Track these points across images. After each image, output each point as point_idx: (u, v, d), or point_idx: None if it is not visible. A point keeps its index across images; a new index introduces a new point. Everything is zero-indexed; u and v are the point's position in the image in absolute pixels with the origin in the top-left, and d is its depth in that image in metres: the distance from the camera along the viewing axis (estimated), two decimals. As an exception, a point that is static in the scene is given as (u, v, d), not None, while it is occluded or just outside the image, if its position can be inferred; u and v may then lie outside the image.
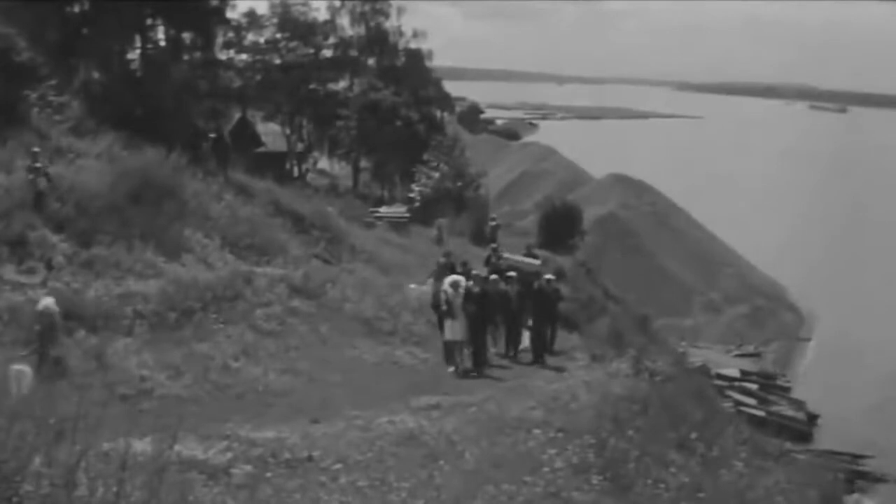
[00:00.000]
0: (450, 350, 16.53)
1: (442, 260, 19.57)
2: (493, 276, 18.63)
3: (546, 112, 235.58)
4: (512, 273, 19.02)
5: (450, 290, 16.61)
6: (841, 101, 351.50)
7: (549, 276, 19.91)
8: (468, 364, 16.43)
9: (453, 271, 18.27)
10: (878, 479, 32.75)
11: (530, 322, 18.55)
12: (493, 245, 25.40)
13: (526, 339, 18.35)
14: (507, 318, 18.02)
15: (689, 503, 10.04)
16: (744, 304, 57.31)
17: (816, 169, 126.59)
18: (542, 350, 17.95)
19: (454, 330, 16.41)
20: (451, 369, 16.24)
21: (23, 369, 11.12)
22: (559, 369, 16.50)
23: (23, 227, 16.03)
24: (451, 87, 78.15)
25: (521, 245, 29.18)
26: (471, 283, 17.02)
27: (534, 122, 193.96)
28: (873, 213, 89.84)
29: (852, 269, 65.39)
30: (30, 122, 21.75)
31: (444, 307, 16.70)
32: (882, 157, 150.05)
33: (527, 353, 18.02)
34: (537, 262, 23.89)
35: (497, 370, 16.66)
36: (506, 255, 23.89)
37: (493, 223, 32.31)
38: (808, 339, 52.97)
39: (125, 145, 22.20)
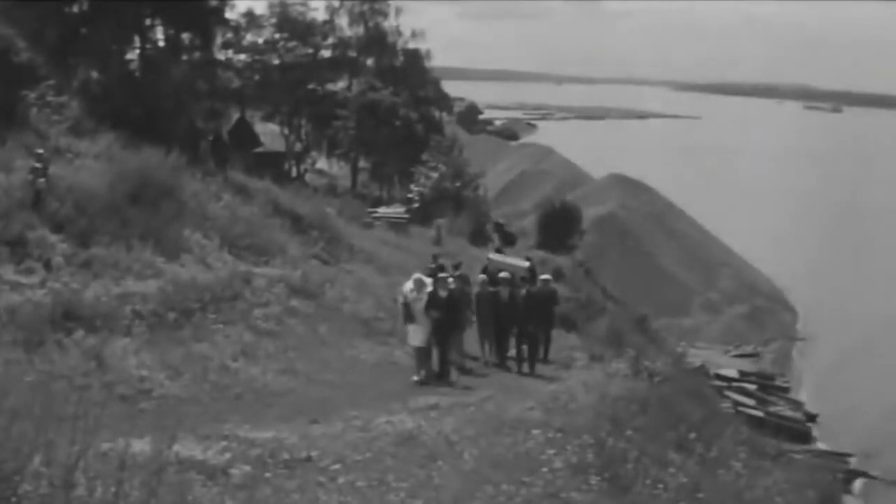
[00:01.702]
0: (417, 356, 15.37)
1: (431, 265, 18.45)
2: (482, 277, 18.02)
3: (545, 112, 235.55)
4: (504, 275, 18.22)
5: (410, 292, 15.37)
6: (839, 101, 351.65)
7: (545, 276, 19.39)
8: (434, 371, 15.26)
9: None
10: (876, 479, 32.75)
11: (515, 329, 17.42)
12: (489, 256, 25.02)
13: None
14: (496, 324, 17.20)
15: (688, 503, 10.05)
16: (743, 304, 57.34)
17: (813, 169, 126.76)
18: (526, 358, 17.01)
19: (416, 335, 15.25)
20: (414, 378, 15.07)
21: None
22: (552, 379, 15.69)
23: (22, 227, 16.01)
24: (450, 88, 78.16)
25: (522, 246, 29.13)
26: (451, 280, 15.99)
27: (532, 122, 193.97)
28: (870, 212, 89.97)
29: (849, 269, 65.43)
30: (29, 122, 21.74)
31: (402, 309, 15.56)
32: (878, 156, 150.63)
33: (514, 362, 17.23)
34: (526, 263, 23.56)
35: (476, 378, 15.88)
36: (492, 256, 23.57)
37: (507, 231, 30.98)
38: (805, 339, 53.00)
39: (124, 145, 22.21)
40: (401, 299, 15.68)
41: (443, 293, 15.32)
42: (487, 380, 15.79)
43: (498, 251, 27.83)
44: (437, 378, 15.12)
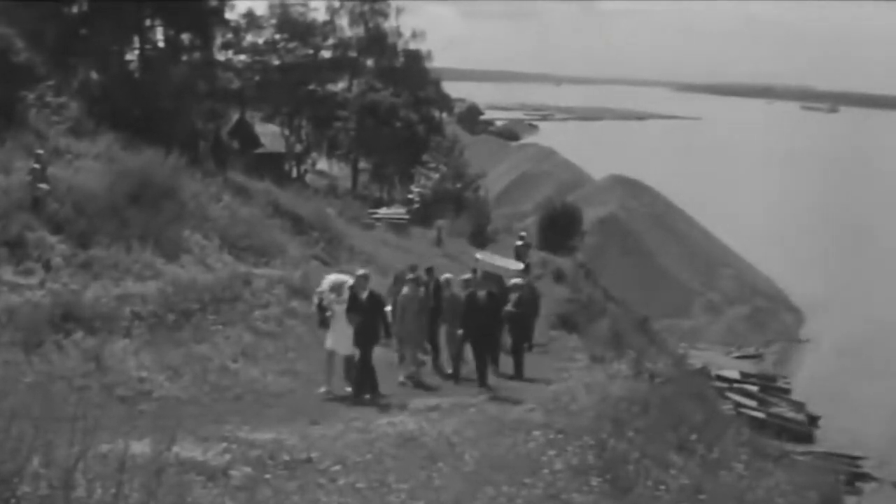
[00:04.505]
0: (329, 364, 13.84)
1: (410, 275, 15.96)
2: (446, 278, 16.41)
3: (545, 113, 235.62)
4: (467, 276, 16.69)
5: (328, 294, 13.95)
6: (837, 101, 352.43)
7: (516, 280, 17.98)
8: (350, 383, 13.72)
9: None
10: (878, 481, 32.71)
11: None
12: (477, 256, 24.37)
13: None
14: (457, 330, 15.47)
15: (689, 505, 10.02)
16: (744, 305, 57.33)
17: (811, 168, 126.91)
18: (482, 371, 14.95)
19: (337, 342, 13.75)
20: (323, 389, 13.55)
21: None
22: (516, 402, 13.51)
23: (21, 228, 15.98)
24: (450, 88, 78.14)
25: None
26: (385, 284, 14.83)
27: (533, 123, 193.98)
28: (868, 211, 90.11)
29: (847, 268, 65.43)
30: (28, 122, 21.71)
31: (318, 312, 14.17)
32: (874, 155, 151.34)
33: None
34: (520, 265, 23.02)
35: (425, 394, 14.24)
36: (479, 256, 23.01)
37: (521, 242, 28.20)
38: (807, 341, 52.98)
39: (124, 146, 22.19)
40: (315, 300, 14.41)
41: (363, 294, 13.70)
42: (438, 394, 14.39)
43: (523, 246, 27.30)
44: (356, 392, 13.57)
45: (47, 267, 15.43)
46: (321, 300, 14.07)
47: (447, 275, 16.65)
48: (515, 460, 10.28)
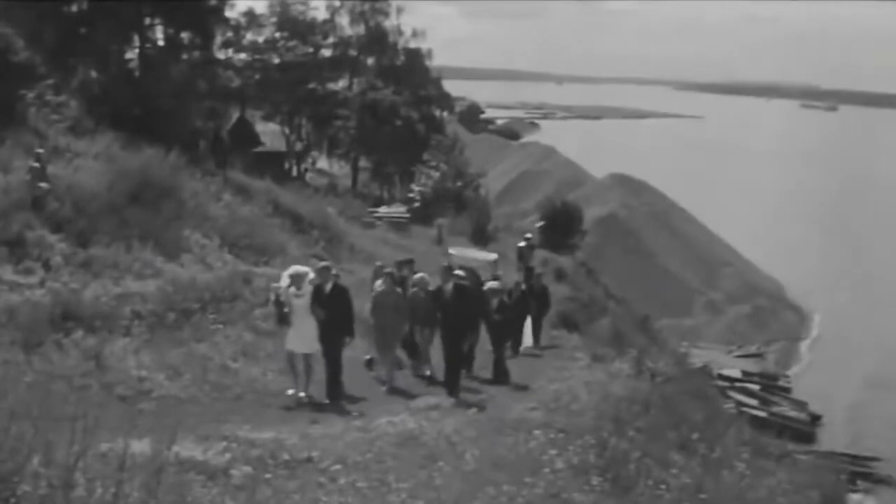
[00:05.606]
0: (293, 365, 13.04)
1: (386, 270, 15.04)
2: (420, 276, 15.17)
3: (546, 112, 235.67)
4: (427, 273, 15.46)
5: (286, 288, 12.93)
6: (839, 100, 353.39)
7: (492, 282, 17.21)
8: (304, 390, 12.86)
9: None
10: (881, 481, 32.69)
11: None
12: (450, 251, 24.10)
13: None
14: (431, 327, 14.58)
15: (691, 504, 9.99)
16: (745, 304, 57.30)
17: (811, 166, 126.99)
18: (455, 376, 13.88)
19: (296, 339, 12.86)
20: (290, 391, 12.95)
21: None
22: (516, 401, 13.11)
23: (21, 227, 15.97)
24: (451, 87, 78.07)
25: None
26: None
27: (534, 121, 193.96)
28: (867, 207, 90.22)
29: (847, 266, 65.43)
30: (28, 121, 21.71)
31: (275, 308, 13.28)
32: (871, 152, 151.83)
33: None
34: (493, 256, 22.80)
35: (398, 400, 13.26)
36: (452, 251, 22.80)
37: (524, 243, 27.25)
38: (807, 339, 53.00)
39: (123, 145, 22.20)
40: (272, 297, 13.54)
41: (327, 287, 12.82)
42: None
43: (527, 247, 27.03)
44: (329, 397, 12.88)
45: (47, 266, 15.42)
46: (278, 296, 13.08)
47: (420, 274, 15.36)
48: (516, 459, 10.25)
